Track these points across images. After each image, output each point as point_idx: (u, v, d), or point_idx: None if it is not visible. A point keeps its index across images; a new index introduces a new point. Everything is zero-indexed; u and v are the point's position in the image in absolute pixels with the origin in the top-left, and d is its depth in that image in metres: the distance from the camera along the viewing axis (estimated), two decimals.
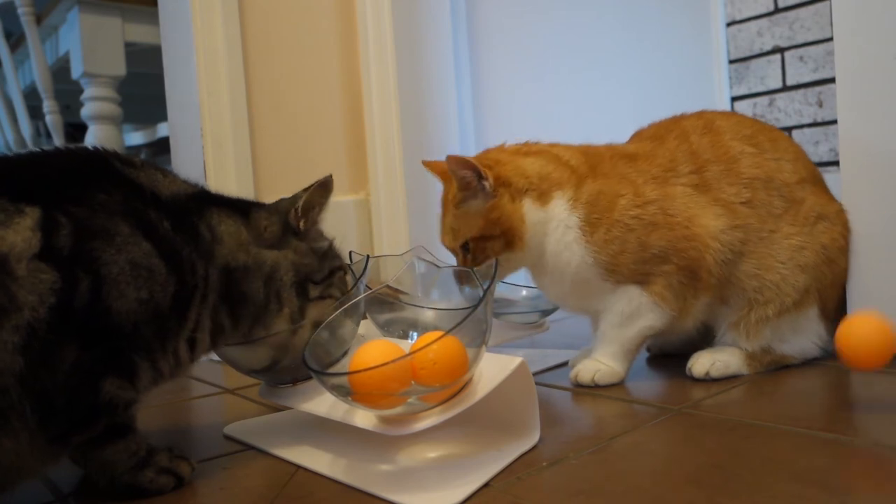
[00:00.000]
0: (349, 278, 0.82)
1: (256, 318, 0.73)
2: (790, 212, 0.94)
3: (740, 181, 0.93)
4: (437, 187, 1.01)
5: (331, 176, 0.78)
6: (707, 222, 0.91)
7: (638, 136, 1.03)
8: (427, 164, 1.02)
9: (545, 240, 0.92)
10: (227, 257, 0.70)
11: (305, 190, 0.77)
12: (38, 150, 0.68)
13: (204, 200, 0.73)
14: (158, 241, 0.63)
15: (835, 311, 0.98)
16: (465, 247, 0.92)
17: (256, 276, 0.71)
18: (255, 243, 0.73)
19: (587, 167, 0.94)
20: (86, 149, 0.69)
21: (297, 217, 0.76)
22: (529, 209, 0.91)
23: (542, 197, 0.91)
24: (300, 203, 0.76)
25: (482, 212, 0.91)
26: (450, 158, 0.90)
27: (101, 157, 0.68)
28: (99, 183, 0.64)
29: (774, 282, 0.93)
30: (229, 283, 0.70)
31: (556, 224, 0.91)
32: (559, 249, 0.91)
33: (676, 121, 1.01)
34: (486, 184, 0.90)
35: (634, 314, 0.92)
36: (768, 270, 0.93)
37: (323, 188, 0.78)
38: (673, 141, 0.97)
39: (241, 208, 0.76)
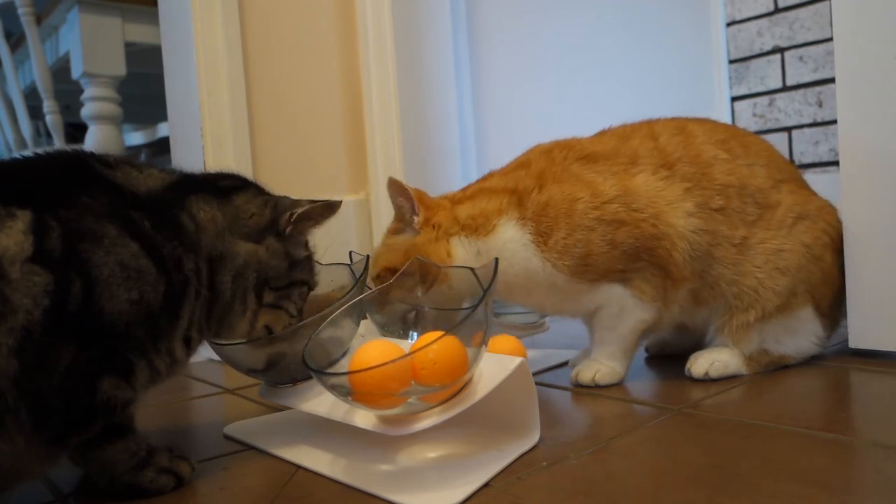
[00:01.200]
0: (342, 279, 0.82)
1: (222, 316, 0.71)
2: (764, 217, 0.94)
3: (713, 187, 0.92)
4: (436, 188, 1.01)
5: (341, 202, 0.77)
6: (675, 221, 0.90)
7: (603, 133, 1.01)
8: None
9: (505, 265, 0.89)
10: (209, 246, 0.69)
11: (312, 202, 0.75)
12: (19, 155, 0.67)
13: (183, 188, 0.71)
14: (144, 241, 0.63)
15: (830, 307, 0.98)
16: (378, 276, 0.90)
17: (227, 269, 0.70)
18: (230, 230, 0.71)
19: (532, 179, 0.93)
20: (67, 152, 0.69)
21: (289, 222, 0.74)
22: (460, 244, 0.90)
23: (481, 230, 0.91)
24: (298, 211, 0.74)
25: (405, 247, 0.90)
26: (390, 181, 0.90)
27: (82, 160, 0.68)
28: (83, 186, 0.64)
29: (752, 287, 0.92)
30: (210, 273, 0.69)
31: (512, 245, 0.90)
32: (525, 266, 0.90)
33: (647, 122, 1.01)
34: (415, 219, 0.90)
35: (621, 313, 0.92)
36: (745, 276, 0.92)
37: (328, 208, 0.76)
38: (638, 139, 0.96)
39: (223, 188, 0.73)
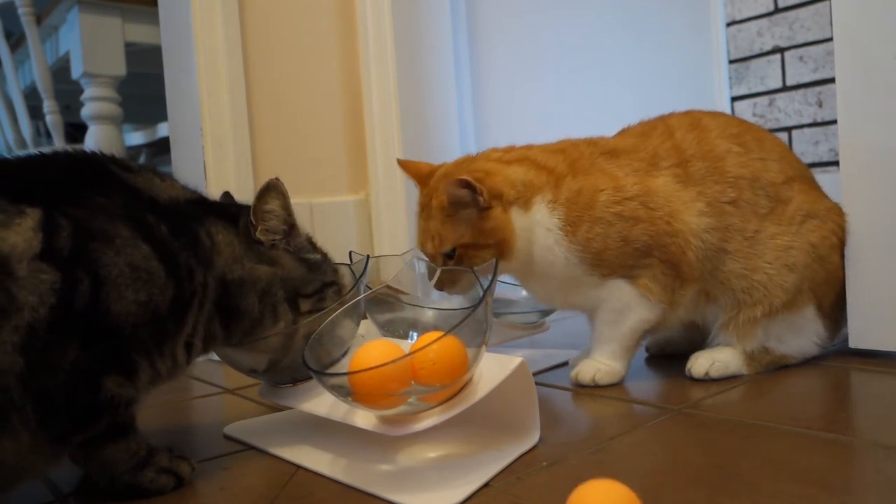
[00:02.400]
0: (348, 280, 0.82)
1: (249, 330, 0.72)
2: (776, 211, 0.94)
3: (725, 180, 0.93)
4: None
5: (277, 178, 0.75)
6: (689, 219, 0.91)
7: (624, 132, 1.02)
8: (403, 163, 0.99)
9: (532, 247, 0.90)
10: (223, 268, 0.70)
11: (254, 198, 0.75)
12: (36, 153, 0.68)
13: (204, 208, 0.72)
14: (157, 244, 0.63)
15: (832, 308, 0.98)
16: (449, 254, 0.90)
17: (251, 292, 0.71)
18: (247, 257, 0.72)
19: (566, 165, 0.93)
20: (84, 152, 0.70)
21: (254, 227, 0.74)
22: (517, 218, 0.90)
23: (526, 204, 0.90)
24: (249, 214, 0.74)
25: (474, 220, 0.88)
26: (447, 183, 0.87)
27: (98, 161, 0.68)
28: (97, 186, 0.64)
29: (762, 282, 0.92)
30: (226, 294, 0.70)
31: (539, 229, 0.90)
32: (543, 254, 0.90)
33: (663, 118, 1.01)
34: (481, 199, 0.88)
35: (625, 309, 0.92)
36: (755, 271, 0.92)
37: (268, 191, 0.74)
38: (657, 137, 0.97)
39: (233, 216, 0.74)
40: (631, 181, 0.91)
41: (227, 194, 0.84)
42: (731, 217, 0.92)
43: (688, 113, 1.02)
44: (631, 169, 0.93)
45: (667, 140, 0.96)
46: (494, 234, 0.88)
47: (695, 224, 0.91)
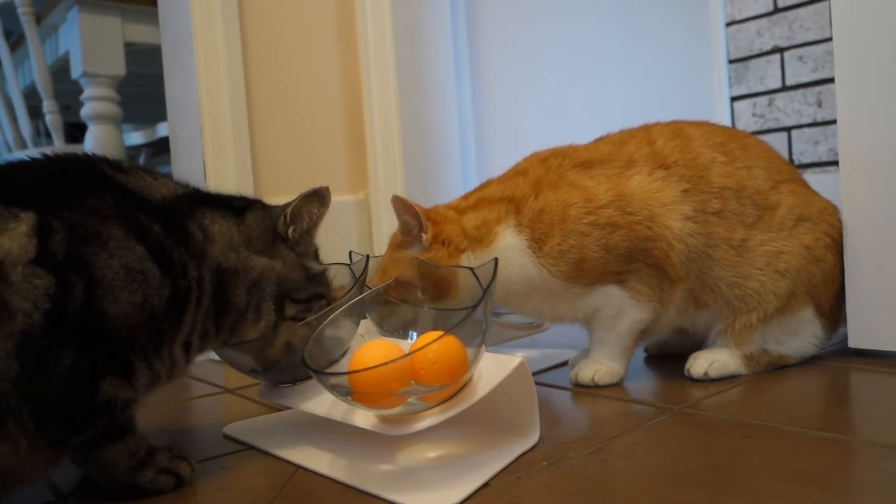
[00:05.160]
0: (349, 282, 0.82)
1: (234, 325, 0.72)
2: (764, 219, 0.94)
3: (710, 190, 0.92)
4: (437, 188, 1.01)
5: (327, 188, 0.77)
6: (672, 223, 0.90)
7: (600, 140, 1.01)
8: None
9: (509, 270, 0.90)
10: (218, 257, 0.69)
11: (299, 196, 0.76)
12: (28, 157, 0.67)
13: (195, 201, 0.72)
14: (151, 245, 0.63)
15: (830, 308, 0.98)
16: (388, 288, 0.88)
17: (241, 282, 0.70)
18: (245, 246, 0.72)
19: (529, 186, 0.93)
20: (76, 155, 0.69)
21: (286, 224, 0.75)
22: (471, 260, 0.90)
23: (484, 240, 0.91)
24: (289, 209, 0.75)
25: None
26: (395, 199, 0.90)
27: (91, 163, 0.68)
28: (90, 188, 0.64)
29: (755, 289, 0.92)
30: (220, 285, 0.69)
31: (510, 252, 0.90)
32: (522, 271, 0.91)
33: (645, 127, 1.01)
34: (424, 236, 0.90)
35: (619, 313, 0.92)
36: (747, 278, 0.92)
37: (315, 197, 0.76)
38: (635, 144, 0.96)
39: (237, 207, 0.74)
40: (604, 189, 0.91)
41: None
42: (717, 227, 0.92)
43: (670, 123, 1.01)
44: (605, 177, 0.93)
45: (645, 147, 0.96)
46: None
47: (678, 228, 0.90)
